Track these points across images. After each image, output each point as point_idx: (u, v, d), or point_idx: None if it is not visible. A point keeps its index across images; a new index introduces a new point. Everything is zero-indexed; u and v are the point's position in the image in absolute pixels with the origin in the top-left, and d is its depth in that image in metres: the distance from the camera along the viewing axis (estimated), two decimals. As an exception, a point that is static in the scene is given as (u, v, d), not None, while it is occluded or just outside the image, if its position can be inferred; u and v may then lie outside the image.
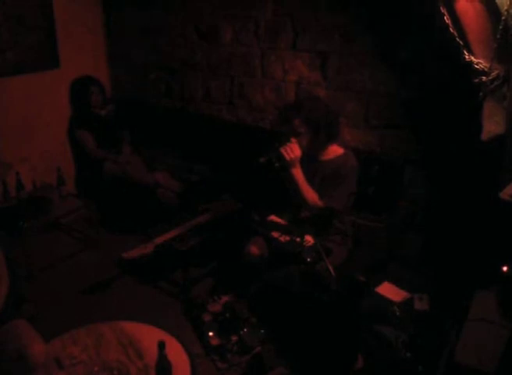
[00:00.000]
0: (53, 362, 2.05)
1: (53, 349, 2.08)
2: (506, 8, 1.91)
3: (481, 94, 2.12)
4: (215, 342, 2.58)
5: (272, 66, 3.28)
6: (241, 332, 2.62)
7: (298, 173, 2.54)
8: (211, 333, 2.63)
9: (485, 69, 2.07)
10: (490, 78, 2.06)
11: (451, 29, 2.09)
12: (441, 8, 2.10)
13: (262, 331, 2.59)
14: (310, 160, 2.64)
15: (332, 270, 2.25)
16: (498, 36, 1.96)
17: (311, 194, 2.56)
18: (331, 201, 2.55)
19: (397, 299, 2.52)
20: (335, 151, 2.65)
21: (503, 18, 1.93)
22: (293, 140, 2.53)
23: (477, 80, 2.11)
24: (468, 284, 2.38)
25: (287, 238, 2.64)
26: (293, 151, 2.49)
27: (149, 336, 2.21)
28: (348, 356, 1.30)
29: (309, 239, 2.60)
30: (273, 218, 2.83)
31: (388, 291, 2.58)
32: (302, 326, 1.27)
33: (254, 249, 2.70)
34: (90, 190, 3.99)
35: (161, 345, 1.87)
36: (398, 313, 2.44)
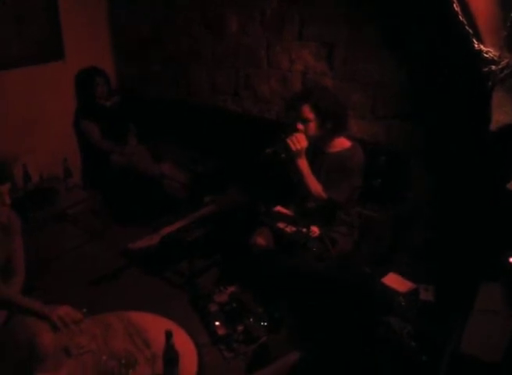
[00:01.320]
0: (62, 352, 2.07)
1: (61, 339, 2.09)
2: (517, -6, 1.89)
3: (490, 83, 2.10)
4: (221, 332, 2.59)
5: (277, 56, 3.27)
6: (247, 322, 2.63)
7: (304, 165, 2.54)
8: (217, 323, 2.64)
9: (495, 58, 2.04)
10: (500, 67, 2.03)
11: (460, 17, 2.06)
12: (450, -5, 2.08)
13: (266, 324, 2.62)
14: (316, 152, 2.63)
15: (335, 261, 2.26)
16: (508, 24, 1.93)
17: (315, 186, 2.56)
18: (335, 194, 2.55)
19: (403, 290, 2.52)
20: (342, 143, 2.64)
21: (514, 5, 1.90)
22: (300, 128, 2.52)
23: (486, 70, 2.09)
24: (474, 275, 2.37)
25: (293, 229, 2.64)
26: (299, 141, 2.48)
27: (156, 325, 2.22)
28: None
29: (315, 230, 2.61)
30: (279, 209, 2.83)
31: (393, 281, 2.58)
32: (321, 306, 1.28)
33: (259, 240, 2.71)
34: (97, 181, 4.00)
35: (169, 335, 1.88)
36: (403, 304, 2.45)
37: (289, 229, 2.65)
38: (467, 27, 2.07)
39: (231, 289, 2.91)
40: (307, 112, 2.50)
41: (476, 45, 2.08)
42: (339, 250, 2.58)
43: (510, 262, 2.20)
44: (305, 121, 2.52)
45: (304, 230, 2.58)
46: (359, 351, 1.33)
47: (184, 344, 2.11)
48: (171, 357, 1.92)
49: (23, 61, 3.60)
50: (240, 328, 2.61)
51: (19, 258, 2.24)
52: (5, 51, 3.48)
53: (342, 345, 1.30)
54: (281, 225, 2.69)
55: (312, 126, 2.52)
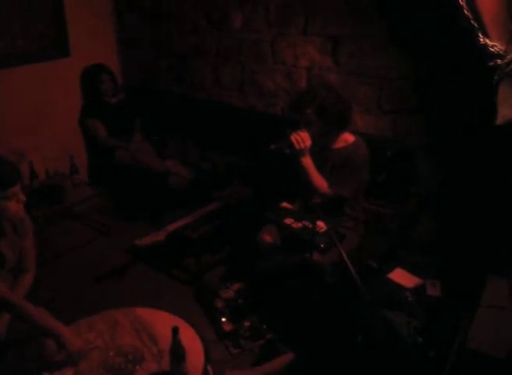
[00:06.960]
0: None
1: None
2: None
3: (496, 77, 2.08)
4: (227, 328, 2.61)
5: (282, 51, 3.25)
6: (253, 318, 2.64)
7: (308, 162, 2.53)
8: (223, 319, 2.65)
9: (501, 52, 2.03)
10: (505, 61, 2.01)
11: (466, 11, 2.04)
12: (455, -11, 2.06)
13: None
14: (321, 148, 2.62)
15: (345, 256, 2.25)
16: (514, 17, 1.92)
17: (320, 183, 2.55)
18: (341, 189, 2.54)
19: (409, 285, 2.51)
20: (346, 139, 2.63)
21: (521, -2, 1.88)
22: (304, 130, 2.51)
23: (492, 64, 2.07)
24: (481, 270, 2.37)
25: (299, 225, 2.64)
26: (303, 140, 2.47)
27: (163, 322, 2.23)
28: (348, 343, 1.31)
29: (321, 225, 2.60)
30: (285, 205, 2.83)
31: (400, 276, 2.57)
32: (298, 315, 1.28)
33: (266, 237, 2.71)
34: (103, 178, 4.01)
35: (175, 331, 1.89)
36: (410, 299, 2.44)
37: (296, 225, 2.65)
38: (472, 21, 2.06)
39: (237, 285, 2.91)
40: (312, 115, 2.49)
41: (482, 39, 2.07)
42: (346, 245, 2.58)
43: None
44: (309, 124, 2.51)
45: (310, 225, 2.58)
46: (359, 348, 1.34)
47: (191, 340, 2.12)
48: (177, 353, 1.92)
49: (28, 58, 3.60)
50: (247, 324, 2.62)
51: (30, 258, 2.25)
52: (10, 48, 3.48)
53: (339, 343, 1.31)
54: (287, 221, 2.69)
55: (317, 127, 2.51)
